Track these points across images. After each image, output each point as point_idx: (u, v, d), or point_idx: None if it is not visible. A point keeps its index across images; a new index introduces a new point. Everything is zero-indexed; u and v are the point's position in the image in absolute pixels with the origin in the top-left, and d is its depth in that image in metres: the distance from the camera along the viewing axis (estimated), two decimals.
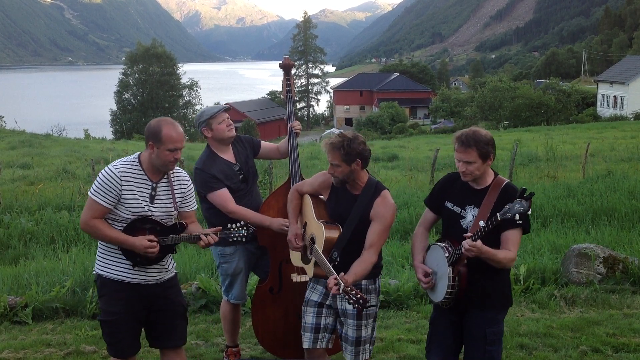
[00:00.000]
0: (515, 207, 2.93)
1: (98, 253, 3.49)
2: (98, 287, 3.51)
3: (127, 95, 61.55)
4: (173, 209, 3.47)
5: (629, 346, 4.71)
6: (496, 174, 3.39)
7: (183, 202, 3.54)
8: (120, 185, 3.31)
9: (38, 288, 5.85)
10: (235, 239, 3.49)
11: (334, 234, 3.48)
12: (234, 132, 4.21)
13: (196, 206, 3.65)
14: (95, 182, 3.34)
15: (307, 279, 3.92)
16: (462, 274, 3.25)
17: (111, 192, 3.30)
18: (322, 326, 3.64)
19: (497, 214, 3.02)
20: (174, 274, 3.61)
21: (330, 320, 3.66)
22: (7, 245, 9.15)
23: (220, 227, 3.53)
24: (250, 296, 4.87)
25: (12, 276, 6.63)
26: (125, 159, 3.44)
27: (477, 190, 3.33)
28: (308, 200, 3.73)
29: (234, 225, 3.49)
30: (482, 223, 3.11)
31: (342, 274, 3.19)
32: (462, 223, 3.34)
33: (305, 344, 3.66)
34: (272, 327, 4.36)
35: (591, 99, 61.04)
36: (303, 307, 3.71)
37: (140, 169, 3.40)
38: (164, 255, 3.44)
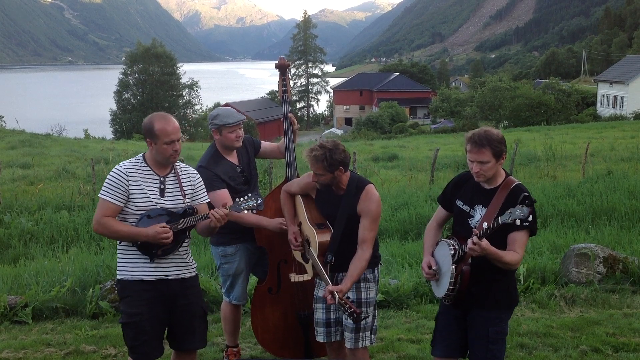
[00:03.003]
0: (517, 212, 2.96)
1: (118, 259, 3.51)
2: (119, 291, 3.51)
3: (127, 95, 61.40)
4: (182, 201, 3.49)
5: (629, 346, 4.71)
6: (507, 175, 3.39)
7: (194, 195, 3.57)
8: (128, 182, 3.36)
9: (38, 288, 5.85)
10: (246, 211, 3.50)
11: (326, 237, 3.61)
12: (240, 144, 4.24)
13: (207, 199, 3.66)
14: (104, 183, 3.40)
15: (305, 278, 3.95)
16: (464, 272, 3.27)
17: (119, 189, 3.35)
18: (332, 320, 3.77)
19: (499, 217, 3.05)
20: (194, 274, 3.61)
21: (340, 314, 3.76)
22: (7, 245, 9.14)
23: (226, 202, 3.56)
24: (250, 296, 4.88)
25: (12, 276, 6.63)
26: (130, 159, 3.51)
27: (487, 190, 3.35)
28: (299, 201, 3.86)
29: (241, 199, 3.52)
30: (485, 225, 3.13)
31: (336, 287, 3.36)
32: (470, 222, 3.37)
33: (320, 338, 3.81)
34: (271, 327, 4.36)
35: (591, 99, 61.04)
36: (314, 304, 3.84)
37: (146, 165, 3.46)
38: (178, 242, 3.45)
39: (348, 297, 3.42)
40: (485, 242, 3.08)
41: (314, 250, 3.60)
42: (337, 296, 3.25)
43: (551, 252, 7.15)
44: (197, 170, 4.23)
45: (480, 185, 3.38)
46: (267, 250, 4.28)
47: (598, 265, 6.18)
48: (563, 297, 5.78)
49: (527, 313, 5.55)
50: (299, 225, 3.87)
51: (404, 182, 14.64)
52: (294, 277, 4.08)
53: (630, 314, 5.45)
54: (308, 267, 3.75)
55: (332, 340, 3.81)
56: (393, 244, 8.11)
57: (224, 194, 4.07)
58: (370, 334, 3.72)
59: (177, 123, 3.44)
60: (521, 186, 3.31)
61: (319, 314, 3.80)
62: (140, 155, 3.52)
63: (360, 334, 3.66)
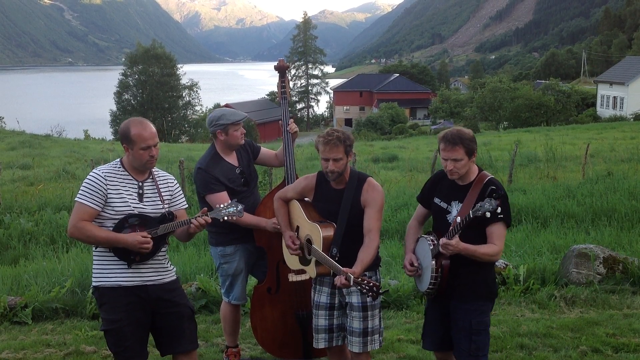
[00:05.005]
0: (485, 206, 3.13)
1: (93, 265, 3.45)
2: (97, 299, 3.46)
3: (127, 96, 61.35)
4: (161, 206, 3.45)
5: (629, 346, 4.72)
6: (480, 170, 3.53)
7: (173, 200, 3.54)
8: (106, 186, 3.31)
9: (38, 288, 5.85)
10: (226, 217, 3.48)
11: (330, 231, 3.58)
12: (243, 141, 4.27)
13: (186, 205, 3.64)
14: (81, 187, 3.34)
15: (303, 278, 3.94)
16: (444, 266, 3.43)
17: (97, 193, 3.30)
18: (335, 326, 3.73)
19: (470, 211, 3.21)
20: (174, 277, 3.56)
21: (342, 320, 3.72)
22: (7, 246, 9.13)
23: (206, 209, 3.54)
24: (249, 296, 4.88)
25: (12, 276, 6.63)
26: (108, 163, 3.47)
27: (462, 186, 3.50)
28: (296, 204, 3.81)
29: (221, 205, 3.51)
30: (458, 219, 3.28)
31: (349, 269, 3.30)
32: (447, 218, 3.51)
33: (321, 345, 3.75)
34: (270, 327, 4.37)
35: (591, 100, 61.03)
36: (314, 310, 3.78)
37: (124, 170, 3.42)
38: (157, 248, 3.40)
39: (365, 275, 3.39)
40: (455, 241, 3.25)
41: (317, 247, 3.55)
42: (352, 277, 3.21)
43: (551, 253, 7.16)
44: (196, 172, 4.23)
45: (455, 183, 3.52)
46: (267, 250, 4.29)
47: (598, 265, 6.18)
48: (563, 297, 5.78)
49: (527, 313, 5.55)
50: (297, 229, 3.82)
51: (404, 183, 14.63)
52: (293, 277, 4.08)
53: (630, 315, 5.45)
54: (309, 268, 3.72)
55: (334, 345, 3.76)
56: (393, 244, 8.11)
57: (222, 196, 4.06)
58: (379, 336, 3.68)
59: (154, 128, 3.38)
60: (493, 180, 3.47)
61: (321, 321, 3.72)
62: (118, 160, 3.47)
63: (369, 338, 3.60)
